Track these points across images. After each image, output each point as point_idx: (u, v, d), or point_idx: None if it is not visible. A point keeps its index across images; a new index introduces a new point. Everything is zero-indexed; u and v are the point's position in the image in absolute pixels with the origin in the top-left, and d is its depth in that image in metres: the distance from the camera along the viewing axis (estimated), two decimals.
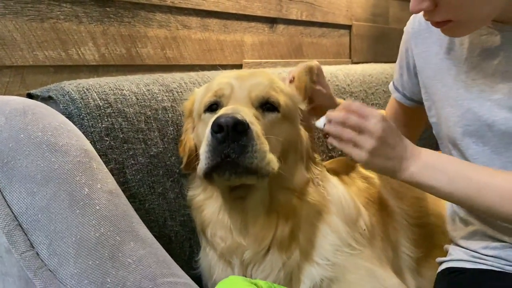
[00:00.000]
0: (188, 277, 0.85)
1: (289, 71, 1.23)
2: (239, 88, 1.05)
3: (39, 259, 0.77)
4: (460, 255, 1.12)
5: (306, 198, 1.08)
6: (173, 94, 1.26)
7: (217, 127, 0.89)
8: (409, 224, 1.31)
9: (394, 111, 1.37)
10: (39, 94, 1.12)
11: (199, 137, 1.09)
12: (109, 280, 0.74)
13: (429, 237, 1.30)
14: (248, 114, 0.96)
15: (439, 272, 1.16)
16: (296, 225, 1.05)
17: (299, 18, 2.08)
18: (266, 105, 1.04)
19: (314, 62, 1.22)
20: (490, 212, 0.96)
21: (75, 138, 0.95)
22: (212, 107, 1.06)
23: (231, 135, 0.89)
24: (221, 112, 0.96)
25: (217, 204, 1.07)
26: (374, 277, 1.10)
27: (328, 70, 1.82)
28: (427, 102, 1.18)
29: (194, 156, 1.11)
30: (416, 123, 1.36)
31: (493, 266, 1.04)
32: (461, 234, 1.12)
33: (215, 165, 0.92)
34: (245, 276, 1.06)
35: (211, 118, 0.98)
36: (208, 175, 0.95)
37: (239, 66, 1.82)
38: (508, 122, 0.99)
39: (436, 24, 0.96)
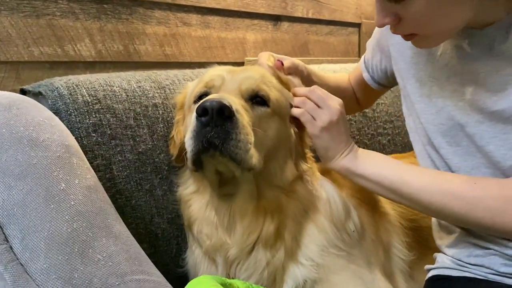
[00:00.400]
0: (161, 276, 0.85)
1: (260, 62, 1.19)
2: (230, 81, 1.04)
3: (12, 253, 0.78)
4: (446, 263, 1.09)
5: (294, 195, 1.07)
6: (165, 91, 1.26)
7: (201, 111, 0.88)
8: (403, 227, 1.28)
9: (356, 83, 1.41)
10: (30, 89, 1.14)
11: (187, 127, 1.07)
12: (76, 276, 0.74)
13: (424, 240, 1.27)
14: (235, 102, 0.94)
15: (426, 279, 1.13)
16: (282, 223, 1.04)
17: (305, 16, 2.05)
18: (256, 99, 1.03)
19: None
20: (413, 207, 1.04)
21: (58, 134, 0.96)
22: (202, 97, 1.04)
23: (215, 118, 0.88)
24: (208, 97, 0.95)
25: (204, 199, 1.07)
26: (360, 279, 1.08)
27: (333, 68, 1.80)
28: (402, 91, 1.16)
29: (184, 148, 1.09)
30: (368, 101, 1.47)
31: (477, 275, 1.01)
32: (446, 243, 1.10)
33: (201, 150, 0.91)
34: (229, 275, 1.05)
35: None
36: (197, 161, 0.95)
37: (241, 64, 1.81)
38: (479, 125, 0.97)
39: (403, 37, 0.96)
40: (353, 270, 1.08)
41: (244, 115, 0.94)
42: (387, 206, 1.29)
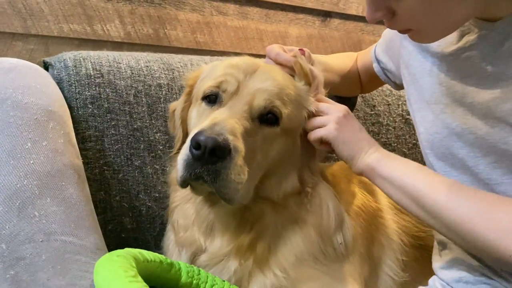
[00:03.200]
0: (97, 243, 0.85)
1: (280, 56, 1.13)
2: (243, 88, 0.96)
3: None
4: (435, 286, 0.97)
5: (281, 209, 1.00)
6: (173, 73, 1.28)
7: (195, 143, 0.84)
8: (403, 243, 1.15)
9: (364, 68, 1.35)
10: (47, 61, 1.23)
11: (190, 121, 1.04)
12: (7, 227, 0.77)
13: (425, 261, 1.12)
14: (235, 133, 0.87)
15: None
16: (259, 235, 0.98)
17: (360, 14, 1.95)
18: (267, 115, 0.96)
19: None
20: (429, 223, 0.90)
21: (44, 99, 1.02)
22: (211, 97, 0.99)
23: (207, 157, 0.83)
24: (206, 123, 0.88)
25: (188, 191, 1.01)
26: None
27: None
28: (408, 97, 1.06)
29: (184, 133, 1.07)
30: (371, 87, 1.44)
31: None
32: (440, 264, 0.99)
33: (189, 178, 0.87)
34: None
35: (206, 112, 0.96)
36: (184, 184, 0.91)
37: None
38: (477, 132, 0.85)
39: (399, 31, 0.88)
40: (323, 281, 1.00)
41: (241, 146, 0.87)
42: (388, 218, 1.17)
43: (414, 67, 1.05)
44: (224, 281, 0.95)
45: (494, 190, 0.87)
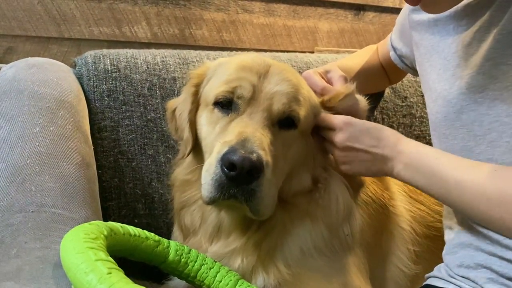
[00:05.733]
0: (87, 217, 0.90)
1: (325, 73, 1.12)
2: (259, 92, 0.93)
3: None
4: (441, 272, 0.94)
5: (292, 207, 0.98)
6: (188, 67, 1.33)
7: (229, 165, 0.81)
8: (415, 233, 1.08)
9: (384, 59, 1.33)
10: (75, 60, 1.33)
11: (201, 127, 0.99)
12: (5, 199, 0.85)
13: (440, 253, 1.05)
14: (263, 147, 0.85)
15: None
16: (265, 234, 0.97)
17: (397, 6, 1.88)
18: (285, 120, 0.94)
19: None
20: (466, 212, 0.84)
21: (59, 90, 1.11)
22: (223, 104, 0.94)
23: (243, 179, 0.81)
24: (233, 138, 0.85)
25: (194, 193, 1.01)
26: (329, 284, 0.96)
27: None
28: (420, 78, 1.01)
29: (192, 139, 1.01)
30: (397, 77, 1.41)
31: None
32: (444, 250, 0.93)
33: (219, 198, 0.84)
34: None
35: (222, 121, 0.93)
36: (211, 202, 0.88)
37: (310, 53, 1.76)
38: (477, 108, 0.81)
39: (410, 2, 0.86)
40: (325, 273, 0.97)
41: (269, 159, 0.86)
42: (400, 206, 1.11)
43: (424, 46, 1.00)
44: (215, 262, 0.95)
45: None
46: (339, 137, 0.94)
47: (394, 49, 1.24)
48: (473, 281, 0.85)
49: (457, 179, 0.81)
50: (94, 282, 0.59)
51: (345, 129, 0.94)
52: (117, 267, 0.64)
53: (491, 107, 0.81)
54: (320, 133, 1.01)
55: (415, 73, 1.23)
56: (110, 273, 0.61)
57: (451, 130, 0.89)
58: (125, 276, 0.62)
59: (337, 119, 0.96)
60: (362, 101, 1.03)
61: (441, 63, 0.94)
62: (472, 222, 0.87)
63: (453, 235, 0.94)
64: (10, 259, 0.71)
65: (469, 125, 0.85)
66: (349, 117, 0.96)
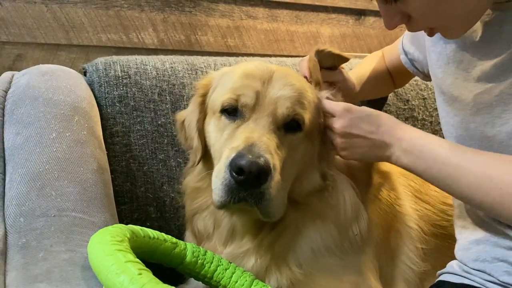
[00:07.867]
0: (106, 221, 0.92)
1: (300, 66, 1.16)
2: (263, 98, 0.95)
3: (2, 183, 0.96)
4: (453, 268, 0.98)
5: (305, 207, 1.01)
6: (196, 73, 1.35)
7: (237, 169, 0.84)
8: (422, 232, 1.11)
9: (392, 63, 1.35)
10: (85, 67, 1.35)
11: (210, 134, 1.02)
12: (27, 204, 0.87)
13: (447, 251, 1.08)
14: (270, 150, 0.88)
15: (432, 285, 0.98)
16: (279, 235, 0.99)
17: None
18: (290, 122, 0.96)
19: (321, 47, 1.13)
20: (466, 199, 0.88)
21: (73, 97, 1.13)
22: (228, 111, 0.97)
23: (251, 182, 0.84)
24: (241, 143, 0.88)
25: (205, 199, 1.04)
26: (340, 283, 0.99)
27: None
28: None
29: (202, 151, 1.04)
30: (403, 81, 1.43)
31: (476, 282, 0.91)
32: (457, 247, 0.97)
33: (230, 202, 0.87)
34: None
35: (228, 128, 0.95)
36: (222, 207, 0.91)
37: None
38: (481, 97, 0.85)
39: (427, 33, 0.90)
40: (336, 274, 0.99)
41: (277, 162, 0.88)
42: (407, 206, 1.14)
43: (437, 52, 1.03)
44: (230, 263, 0.97)
45: None
46: (338, 124, 0.97)
47: (406, 53, 1.26)
48: (489, 274, 0.88)
49: (459, 164, 0.84)
50: (126, 283, 0.62)
51: (345, 115, 0.96)
52: (146, 268, 0.66)
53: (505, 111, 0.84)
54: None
55: (425, 77, 1.25)
56: (140, 274, 0.63)
57: (467, 132, 0.92)
58: (154, 277, 0.64)
59: (337, 106, 0.98)
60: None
61: (454, 70, 0.96)
62: (489, 219, 0.90)
63: (467, 233, 0.96)
64: (38, 262, 0.74)
65: (482, 127, 0.88)
66: (349, 104, 0.98)
